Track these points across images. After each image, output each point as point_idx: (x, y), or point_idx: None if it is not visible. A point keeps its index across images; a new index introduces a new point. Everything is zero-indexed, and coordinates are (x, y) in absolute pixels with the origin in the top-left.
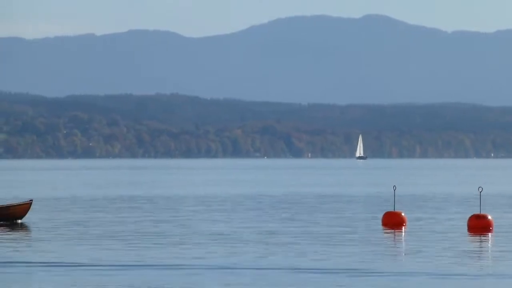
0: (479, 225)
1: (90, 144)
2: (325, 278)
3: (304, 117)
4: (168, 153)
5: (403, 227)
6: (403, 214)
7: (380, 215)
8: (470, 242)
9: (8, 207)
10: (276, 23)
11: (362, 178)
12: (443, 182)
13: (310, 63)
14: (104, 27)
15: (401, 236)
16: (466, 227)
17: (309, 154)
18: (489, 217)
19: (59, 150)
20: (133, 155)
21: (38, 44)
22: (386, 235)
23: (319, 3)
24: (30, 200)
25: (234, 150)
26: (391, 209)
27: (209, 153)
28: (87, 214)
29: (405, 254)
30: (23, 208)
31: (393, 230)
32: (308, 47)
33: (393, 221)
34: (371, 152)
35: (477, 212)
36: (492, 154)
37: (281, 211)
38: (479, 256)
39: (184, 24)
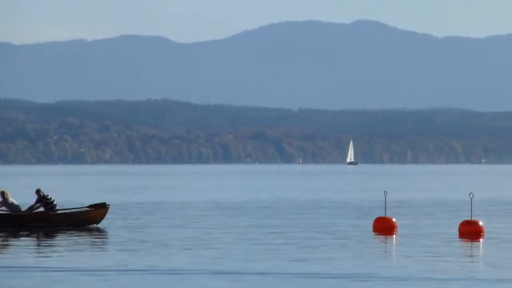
0: (470, 231)
1: (81, 149)
2: (317, 283)
3: (295, 123)
4: (159, 159)
5: (394, 232)
6: (394, 219)
7: (371, 221)
8: (461, 248)
9: (88, 212)
10: (268, 29)
11: (353, 183)
12: (434, 187)
13: (301, 68)
14: (95, 32)
15: (392, 241)
16: (457, 233)
17: (300, 160)
18: (480, 223)
19: (49, 155)
20: (124, 161)
21: (28, 49)
22: (377, 240)
23: (311, 8)
24: (107, 205)
25: (225, 155)
26: (382, 214)
27: (200, 159)
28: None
29: (396, 259)
30: (102, 212)
31: (384, 236)
32: (299, 53)
33: (384, 227)
34: (362, 157)
35: (468, 218)
36: (483, 160)
37: (272, 217)
38: (470, 262)
39: (176, 29)
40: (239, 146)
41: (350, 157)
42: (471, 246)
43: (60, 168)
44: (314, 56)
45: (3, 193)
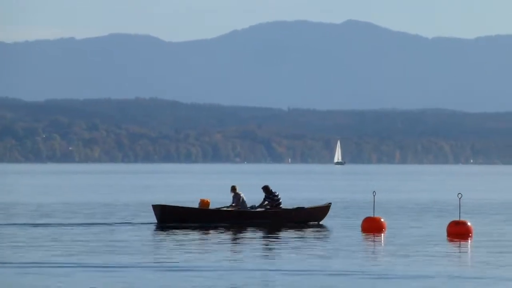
0: (458, 231)
1: (70, 148)
2: (306, 280)
3: (285, 122)
4: (147, 158)
5: (382, 232)
6: (382, 219)
7: (360, 221)
8: (449, 248)
9: (314, 209)
10: (257, 28)
11: (341, 183)
12: (423, 188)
13: (290, 68)
14: (84, 31)
15: (381, 241)
16: (445, 233)
17: (289, 159)
18: (469, 224)
19: (38, 154)
20: (113, 159)
21: (18, 47)
22: (365, 240)
23: (301, 8)
24: (329, 203)
25: (214, 155)
26: (370, 214)
27: (189, 158)
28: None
29: (383, 258)
30: (325, 210)
31: (372, 235)
32: (289, 52)
33: (372, 227)
34: (351, 157)
35: (456, 218)
36: (472, 160)
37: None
38: (458, 262)
39: (165, 28)
40: (228, 145)
41: (338, 157)
42: (459, 247)
43: (50, 166)
44: (303, 56)
45: (234, 188)
